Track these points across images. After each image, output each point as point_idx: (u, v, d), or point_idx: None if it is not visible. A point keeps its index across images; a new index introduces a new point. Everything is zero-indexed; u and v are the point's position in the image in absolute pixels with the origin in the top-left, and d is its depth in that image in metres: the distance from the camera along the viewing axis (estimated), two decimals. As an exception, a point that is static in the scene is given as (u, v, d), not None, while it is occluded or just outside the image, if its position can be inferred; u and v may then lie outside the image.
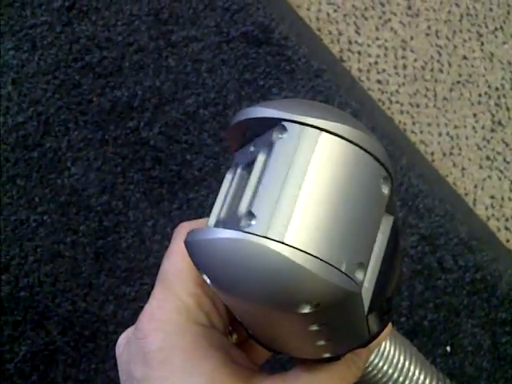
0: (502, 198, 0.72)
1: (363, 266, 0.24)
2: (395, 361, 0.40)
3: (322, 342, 0.27)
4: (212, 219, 0.26)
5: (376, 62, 0.74)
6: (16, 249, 0.63)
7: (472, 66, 0.76)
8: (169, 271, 0.32)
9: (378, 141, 0.25)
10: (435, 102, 0.73)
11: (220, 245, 0.23)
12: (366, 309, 0.27)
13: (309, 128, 0.24)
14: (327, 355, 0.30)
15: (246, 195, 0.24)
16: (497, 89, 0.75)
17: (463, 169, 0.72)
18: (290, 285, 0.22)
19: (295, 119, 0.24)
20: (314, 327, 0.25)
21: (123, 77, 0.66)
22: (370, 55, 0.74)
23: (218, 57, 0.67)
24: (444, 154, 0.72)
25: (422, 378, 0.42)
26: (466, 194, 0.71)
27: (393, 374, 0.40)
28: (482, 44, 0.76)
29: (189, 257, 0.25)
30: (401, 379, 0.41)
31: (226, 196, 0.27)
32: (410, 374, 0.41)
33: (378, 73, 0.73)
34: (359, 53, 0.74)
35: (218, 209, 0.26)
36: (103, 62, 0.66)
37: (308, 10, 0.74)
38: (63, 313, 0.62)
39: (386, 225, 0.27)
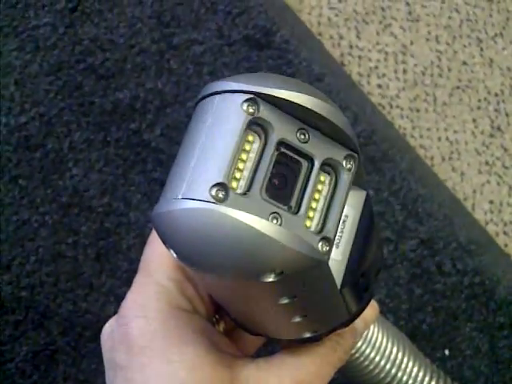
0: (501, 203, 0.72)
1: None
2: (383, 349, 0.40)
3: (297, 319, 0.27)
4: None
5: (376, 67, 0.74)
6: (17, 249, 0.63)
7: (472, 71, 0.76)
8: (150, 258, 0.32)
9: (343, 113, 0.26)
10: (435, 106, 0.74)
11: (181, 216, 0.23)
12: (339, 283, 0.27)
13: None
14: (307, 335, 0.30)
15: (316, 212, 0.25)
16: (496, 94, 0.76)
17: (462, 173, 0.72)
18: (252, 252, 0.22)
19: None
20: (284, 300, 0.25)
21: (125, 79, 0.67)
22: (370, 60, 0.74)
23: (219, 60, 0.68)
24: (443, 159, 0.72)
25: (415, 369, 0.42)
26: (465, 199, 0.71)
27: (382, 362, 0.40)
28: (482, 50, 0.77)
29: None
30: (391, 368, 0.40)
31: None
32: (404, 365, 0.41)
33: (379, 77, 0.74)
34: (360, 57, 0.74)
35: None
36: (105, 64, 0.67)
37: (309, 14, 0.74)
38: (64, 313, 0.62)
39: (357, 199, 0.28)
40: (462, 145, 0.73)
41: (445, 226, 0.66)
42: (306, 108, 0.24)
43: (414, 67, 0.75)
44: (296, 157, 0.25)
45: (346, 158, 0.26)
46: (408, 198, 0.66)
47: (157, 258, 0.32)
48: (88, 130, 0.65)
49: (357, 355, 0.38)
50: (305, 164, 0.25)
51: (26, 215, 0.64)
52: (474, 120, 0.74)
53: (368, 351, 0.38)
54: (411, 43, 0.76)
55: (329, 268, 0.25)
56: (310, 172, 0.25)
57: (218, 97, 0.25)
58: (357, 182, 0.27)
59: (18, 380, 0.61)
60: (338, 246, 0.27)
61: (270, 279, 0.23)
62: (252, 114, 0.24)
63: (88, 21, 0.67)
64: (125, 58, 0.67)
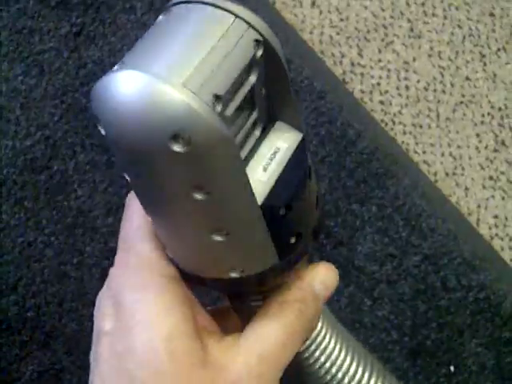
0: (506, 218, 0.72)
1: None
2: (331, 351, 0.39)
3: (219, 238, 0.28)
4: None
5: (378, 84, 0.74)
6: (24, 269, 0.64)
7: (475, 86, 0.76)
8: (127, 233, 0.33)
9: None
10: (438, 122, 0.74)
11: (103, 85, 0.25)
12: (261, 200, 0.28)
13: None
14: (235, 274, 0.30)
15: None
16: (500, 109, 0.76)
17: (466, 188, 0.72)
18: (159, 112, 0.23)
19: None
20: (198, 195, 0.26)
21: (129, 100, 0.67)
22: (372, 77, 0.75)
23: (222, 80, 0.68)
24: (447, 174, 0.72)
25: (354, 365, 0.41)
26: (470, 214, 0.71)
27: (326, 362, 0.39)
28: (485, 64, 0.77)
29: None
30: (328, 363, 0.39)
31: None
32: (340, 361, 0.40)
33: (381, 94, 0.74)
34: (362, 74, 0.75)
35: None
36: (110, 86, 0.68)
37: (311, 33, 0.75)
38: (69, 333, 0.63)
39: (292, 138, 0.30)
40: (466, 160, 0.73)
41: (449, 241, 0.66)
42: (278, 56, 0.27)
43: (417, 83, 0.75)
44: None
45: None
46: (412, 213, 0.66)
47: (134, 229, 0.33)
48: (92, 152, 0.66)
49: (306, 355, 0.38)
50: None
51: (32, 236, 0.65)
52: (477, 135, 0.74)
53: (308, 343, 0.38)
54: (413, 59, 0.76)
55: (236, 148, 0.26)
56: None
57: (232, 18, 0.26)
58: (293, 123, 0.30)
59: (24, 400, 0.62)
60: (265, 170, 0.29)
61: (179, 148, 0.24)
62: (255, 54, 0.27)
63: (92, 44, 0.68)
64: (128, 81, 0.68)
